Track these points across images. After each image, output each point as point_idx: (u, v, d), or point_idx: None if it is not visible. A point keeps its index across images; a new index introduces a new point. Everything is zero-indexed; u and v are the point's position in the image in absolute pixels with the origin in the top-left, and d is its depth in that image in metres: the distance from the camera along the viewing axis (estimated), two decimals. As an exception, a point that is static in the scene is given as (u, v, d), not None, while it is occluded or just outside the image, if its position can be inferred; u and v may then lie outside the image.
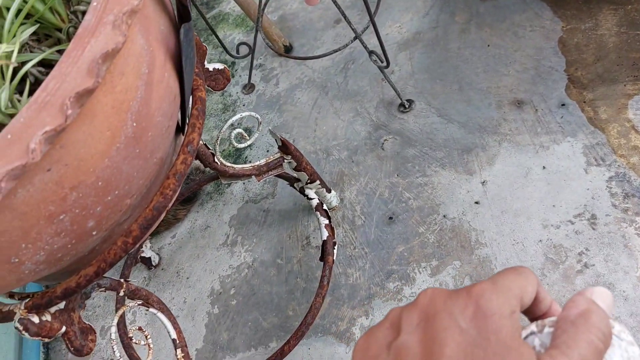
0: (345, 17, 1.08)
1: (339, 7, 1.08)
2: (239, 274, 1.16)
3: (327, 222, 1.04)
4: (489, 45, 1.25)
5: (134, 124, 0.52)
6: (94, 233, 0.54)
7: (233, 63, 1.57)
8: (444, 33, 1.33)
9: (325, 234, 1.02)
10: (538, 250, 0.95)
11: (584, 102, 1.08)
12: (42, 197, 0.46)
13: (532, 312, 0.32)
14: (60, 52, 0.54)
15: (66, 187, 0.47)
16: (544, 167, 1.03)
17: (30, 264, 0.50)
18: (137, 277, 1.25)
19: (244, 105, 1.46)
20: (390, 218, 1.09)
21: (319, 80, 1.40)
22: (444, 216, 1.06)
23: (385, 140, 1.21)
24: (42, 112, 0.43)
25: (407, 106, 1.23)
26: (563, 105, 1.09)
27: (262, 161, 0.95)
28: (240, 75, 1.53)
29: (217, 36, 1.37)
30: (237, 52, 1.47)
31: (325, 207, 1.07)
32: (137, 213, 0.63)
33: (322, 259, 1.01)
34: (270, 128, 1.05)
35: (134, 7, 0.48)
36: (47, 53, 0.51)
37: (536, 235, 0.97)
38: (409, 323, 0.29)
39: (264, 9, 1.30)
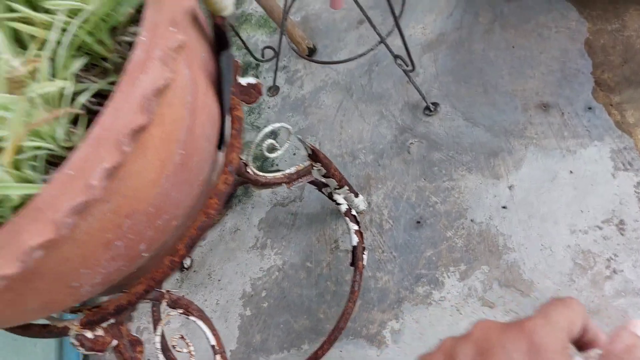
0: (369, 20, 1.09)
1: (363, 11, 1.09)
2: (270, 277, 1.19)
3: (356, 227, 1.06)
4: (513, 47, 1.26)
5: (182, 152, 0.54)
6: (144, 255, 0.57)
7: (257, 65, 1.59)
8: (468, 34, 1.33)
9: (355, 239, 1.04)
10: (566, 255, 0.96)
11: (611, 105, 1.08)
12: (100, 227, 0.49)
13: (578, 341, 0.34)
14: (111, 83, 0.56)
15: (122, 216, 0.50)
16: (570, 172, 1.04)
17: (88, 286, 0.53)
18: (170, 279, 1.29)
19: (269, 107, 1.48)
20: (418, 222, 1.11)
21: (343, 83, 1.41)
22: (472, 220, 1.07)
23: (411, 143, 1.22)
24: (100, 149, 0.45)
25: (432, 109, 1.24)
26: (590, 108, 1.10)
27: (293, 169, 0.97)
28: (264, 77, 1.55)
29: (241, 39, 1.39)
30: (262, 55, 1.49)
31: (354, 212, 1.09)
32: (180, 231, 0.66)
33: (352, 264, 1.03)
34: (297, 134, 1.08)
35: (181, 42, 0.50)
36: (100, 85, 0.54)
37: (564, 240, 0.98)
38: (464, 355, 0.31)
39: (287, 12, 1.31)
